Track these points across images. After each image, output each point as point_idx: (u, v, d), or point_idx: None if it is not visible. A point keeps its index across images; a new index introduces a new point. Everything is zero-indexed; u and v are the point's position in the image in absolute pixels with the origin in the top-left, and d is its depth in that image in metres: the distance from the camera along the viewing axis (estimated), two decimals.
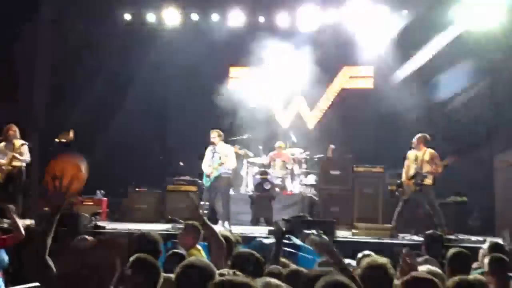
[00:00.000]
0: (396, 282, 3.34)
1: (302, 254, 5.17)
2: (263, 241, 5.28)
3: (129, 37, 12.85)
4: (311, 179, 11.73)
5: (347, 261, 4.08)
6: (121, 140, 12.16)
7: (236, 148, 10.65)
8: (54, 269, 2.54)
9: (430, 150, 9.10)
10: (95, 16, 12.35)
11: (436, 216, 9.01)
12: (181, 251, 4.84)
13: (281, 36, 12.26)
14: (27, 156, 9.64)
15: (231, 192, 10.37)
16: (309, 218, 9.06)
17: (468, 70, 11.35)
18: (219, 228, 8.36)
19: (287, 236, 5.19)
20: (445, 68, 11.54)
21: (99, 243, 2.42)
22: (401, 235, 9.00)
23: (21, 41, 11.28)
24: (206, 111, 12.33)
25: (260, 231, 8.86)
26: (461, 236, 8.82)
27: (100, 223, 9.19)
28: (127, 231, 8.40)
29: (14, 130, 9.60)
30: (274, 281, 2.80)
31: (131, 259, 3.23)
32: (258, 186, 11.13)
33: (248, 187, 11.76)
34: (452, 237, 8.52)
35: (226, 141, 9.96)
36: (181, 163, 11.90)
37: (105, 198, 11.08)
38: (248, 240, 6.26)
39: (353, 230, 9.15)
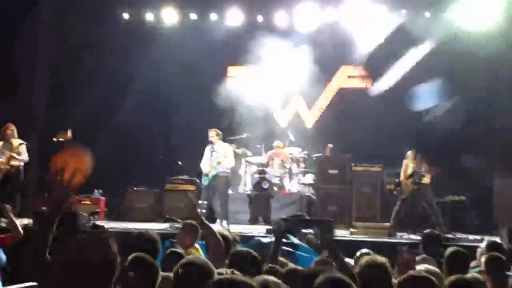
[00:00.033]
0: (394, 280, 3.34)
1: (300, 253, 5.17)
2: (261, 240, 5.29)
3: (128, 36, 12.83)
4: (309, 178, 11.74)
5: (345, 259, 4.08)
6: (120, 140, 12.16)
7: (233, 147, 10.66)
8: (53, 268, 2.54)
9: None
10: (95, 16, 12.31)
11: (434, 215, 9.04)
12: (179, 250, 4.84)
13: (279, 35, 12.25)
14: (25, 156, 9.62)
15: (230, 191, 10.37)
16: (307, 217, 9.06)
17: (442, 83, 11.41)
18: (217, 227, 8.37)
19: (285, 235, 5.19)
20: (421, 80, 11.61)
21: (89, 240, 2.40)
22: (399, 234, 9.02)
23: (21, 41, 11.27)
24: (205, 111, 12.32)
25: (259, 230, 8.86)
26: (459, 235, 8.85)
27: (99, 223, 9.19)
28: (121, 231, 8.42)
29: (12, 129, 9.58)
30: (272, 279, 2.81)
31: (130, 258, 3.23)
32: (257, 185, 11.14)
33: (246, 186, 11.77)
34: (450, 236, 8.54)
35: (224, 140, 9.97)
36: (179, 163, 11.91)
37: (103, 198, 11.08)
38: (246, 239, 6.27)
39: (351, 229, 9.17)
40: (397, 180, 9.43)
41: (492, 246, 5.18)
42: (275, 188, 11.29)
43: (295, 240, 5.53)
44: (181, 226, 5.66)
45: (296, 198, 11.06)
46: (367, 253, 4.78)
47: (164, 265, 3.94)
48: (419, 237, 7.19)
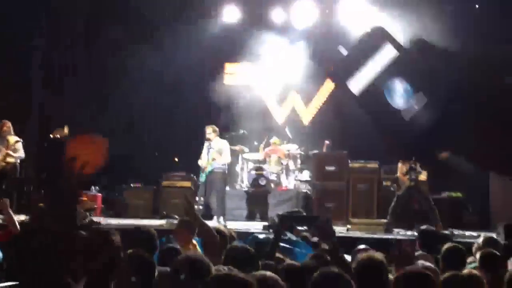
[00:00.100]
0: (391, 277, 3.34)
1: (298, 249, 5.18)
2: (258, 236, 5.29)
3: (125, 33, 12.78)
4: (306, 174, 11.74)
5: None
6: (118, 136, 12.11)
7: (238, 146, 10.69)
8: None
9: None
10: (90, 11, 12.29)
11: (430, 211, 9.04)
12: (176, 246, 4.83)
13: (276, 32, 12.24)
14: (21, 153, 9.61)
15: (227, 188, 10.37)
16: (304, 214, 9.08)
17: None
18: (214, 223, 8.37)
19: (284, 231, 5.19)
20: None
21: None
22: (396, 230, 9.03)
23: (21, 40, 11.27)
24: (201, 107, 12.31)
25: (256, 227, 8.87)
26: (456, 232, 8.85)
27: (95, 219, 9.18)
28: (118, 227, 8.40)
29: (8, 126, 9.57)
30: (270, 274, 2.81)
31: (127, 253, 3.22)
32: (254, 181, 11.16)
33: (243, 182, 11.77)
34: (447, 232, 8.54)
35: (221, 136, 9.96)
36: (176, 159, 11.89)
37: (100, 194, 11.07)
38: (243, 235, 6.27)
39: (348, 226, 9.18)
40: (394, 177, 9.44)
41: (488, 242, 5.18)
42: (272, 185, 11.30)
43: (293, 237, 5.54)
44: (178, 222, 5.65)
45: (293, 195, 11.06)
46: (364, 249, 4.78)
47: (161, 261, 3.94)
48: (415, 234, 7.19)
